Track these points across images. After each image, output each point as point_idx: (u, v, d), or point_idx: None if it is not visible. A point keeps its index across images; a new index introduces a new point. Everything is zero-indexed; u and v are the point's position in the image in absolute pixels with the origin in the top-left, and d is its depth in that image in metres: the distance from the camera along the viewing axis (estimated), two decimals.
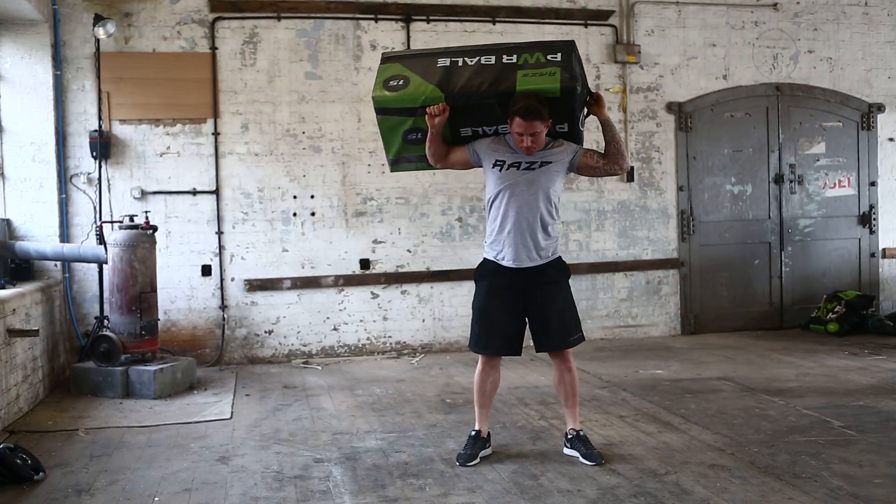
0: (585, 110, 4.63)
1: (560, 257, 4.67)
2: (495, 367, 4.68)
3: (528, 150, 4.43)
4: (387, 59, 4.71)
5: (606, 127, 4.60)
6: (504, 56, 4.52)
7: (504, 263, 4.53)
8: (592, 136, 8.36)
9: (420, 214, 8.05)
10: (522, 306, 4.59)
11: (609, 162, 4.58)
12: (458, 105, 4.47)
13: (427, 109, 4.45)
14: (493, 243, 4.57)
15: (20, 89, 7.03)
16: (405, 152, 4.78)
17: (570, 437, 4.66)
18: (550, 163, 4.50)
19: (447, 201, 8.11)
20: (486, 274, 4.63)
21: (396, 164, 4.89)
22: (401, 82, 4.54)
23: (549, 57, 4.47)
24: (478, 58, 4.54)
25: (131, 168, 7.45)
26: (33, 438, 5.19)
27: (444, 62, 4.56)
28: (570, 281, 4.71)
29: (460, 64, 4.53)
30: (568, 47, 4.54)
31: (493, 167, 4.54)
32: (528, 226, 4.48)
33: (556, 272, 4.61)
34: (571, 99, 4.45)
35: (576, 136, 4.65)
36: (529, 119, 4.32)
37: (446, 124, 4.53)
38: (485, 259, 4.65)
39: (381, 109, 4.60)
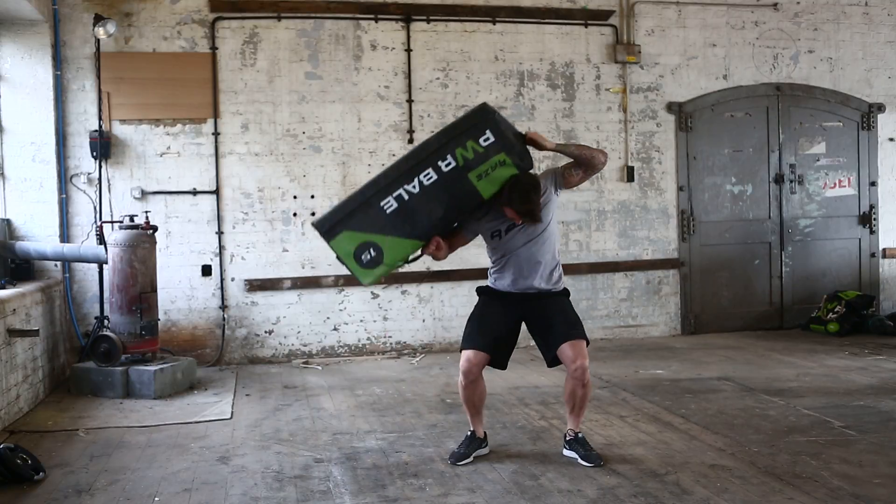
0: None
1: (565, 288, 4.73)
2: (476, 380, 4.62)
3: (513, 220, 4.46)
4: (327, 231, 4.32)
5: (562, 149, 4.55)
6: (440, 163, 4.24)
7: (514, 292, 4.60)
8: (593, 135, 8.40)
9: None
10: (521, 320, 4.64)
11: (586, 168, 4.54)
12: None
13: (424, 253, 4.43)
14: (500, 281, 4.64)
15: (20, 89, 7.03)
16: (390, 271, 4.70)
17: (568, 438, 4.66)
18: (541, 205, 4.48)
19: None
20: (489, 291, 4.71)
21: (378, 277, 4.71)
22: (372, 252, 4.29)
23: (482, 142, 4.23)
24: (415, 181, 4.25)
25: (131, 168, 7.45)
26: (33, 438, 5.19)
27: (389, 205, 4.26)
28: (570, 293, 4.77)
29: (406, 198, 4.26)
30: (487, 117, 4.28)
31: (493, 238, 4.57)
32: (532, 269, 4.54)
33: (559, 292, 4.67)
34: (530, 167, 4.44)
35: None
36: (528, 221, 4.39)
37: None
38: (489, 286, 4.73)
39: (375, 282, 4.54)
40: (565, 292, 4.71)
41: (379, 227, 4.28)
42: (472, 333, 4.62)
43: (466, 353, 4.59)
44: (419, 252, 4.44)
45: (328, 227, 4.34)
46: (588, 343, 4.58)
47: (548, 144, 4.49)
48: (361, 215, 4.29)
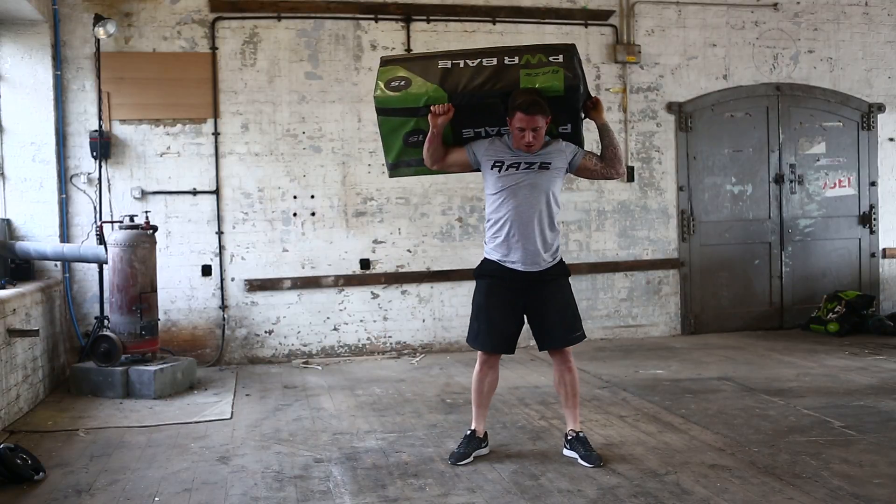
0: (583, 114, 4.65)
1: (562, 259, 4.68)
2: (493, 366, 4.69)
3: (529, 147, 4.42)
4: (386, 62, 4.73)
5: (604, 131, 4.65)
6: (506, 58, 4.56)
7: (511, 266, 4.52)
8: (593, 136, 8.39)
9: (420, 214, 8.05)
10: (522, 305, 4.60)
11: (606, 166, 4.65)
12: (462, 104, 4.48)
13: (431, 108, 4.44)
14: (498, 246, 4.55)
15: (20, 89, 7.03)
16: (405, 156, 4.76)
17: (569, 438, 4.66)
18: (550, 163, 4.51)
19: (447, 201, 8.11)
20: (488, 272, 4.63)
21: (396, 168, 4.87)
22: (402, 83, 4.55)
23: (550, 58, 4.51)
24: (479, 59, 4.57)
25: (131, 168, 7.45)
26: (33, 438, 5.19)
27: (444, 64, 4.58)
28: (570, 280, 4.71)
29: (461, 65, 4.55)
30: (569, 50, 4.58)
31: (493, 168, 4.53)
32: (531, 229, 4.47)
33: (557, 270, 4.62)
34: (575, 97, 4.48)
35: (578, 138, 4.68)
36: (531, 113, 4.32)
37: (448, 125, 4.54)
38: (486, 259, 4.65)
39: (383, 110, 4.60)
40: (565, 272, 4.66)
41: (423, 72, 4.57)
42: (481, 334, 4.61)
43: (480, 359, 4.68)
44: (434, 105, 4.46)
45: (391, 58, 4.82)
46: (585, 337, 4.69)
47: (602, 117, 4.63)
48: (419, 62, 4.69)
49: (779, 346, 7.91)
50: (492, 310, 4.59)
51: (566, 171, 4.63)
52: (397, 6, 7.92)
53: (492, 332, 4.59)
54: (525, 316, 4.64)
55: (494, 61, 4.55)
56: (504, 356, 4.77)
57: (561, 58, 4.51)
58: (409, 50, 7.90)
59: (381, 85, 4.59)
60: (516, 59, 4.53)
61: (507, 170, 4.50)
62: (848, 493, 3.99)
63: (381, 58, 4.84)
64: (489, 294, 4.61)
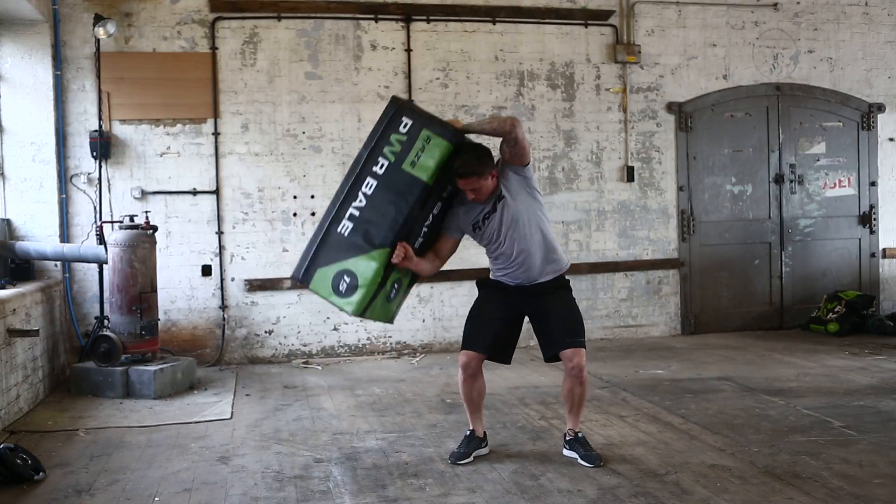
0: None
1: (564, 274, 4.66)
2: (475, 374, 4.65)
3: (476, 200, 4.44)
4: (303, 278, 4.35)
5: (474, 128, 4.51)
6: (374, 168, 4.29)
7: (515, 284, 4.56)
8: (593, 135, 8.41)
9: None
10: (522, 314, 4.63)
11: (504, 140, 4.41)
12: (404, 234, 4.30)
13: (393, 261, 4.25)
14: (502, 277, 4.60)
15: (20, 89, 7.03)
16: (393, 303, 4.56)
17: (568, 438, 4.66)
18: (504, 191, 4.46)
19: None
20: (490, 283, 4.68)
21: (394, 315, 4.63)
22: (346, 279, 4.23)
23: (402, 130, 4.29)
24: (359, 195, 4.27)
25: (131, 168, 7.45)
26: (33, 438, 5.19)
27: (345, 228, 4.26)
28: (572, 292, 4.70)
29: (358, 214, 4.26)
30: (399, 105, 4.40)
31: (475, 230, 4.55)
32: (530, 255, 4.49)
33: (559, 283, 4.63)
34: (459, 137, 4.35)
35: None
36: (462, 177, 4.32)
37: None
38: (487, 277, 4.71)
39: (364, 310, 4.26)
40: (566, 284, 4.66)
41: (344, 252, 4.24)
42: (472, 335, 4.63)
43: (465, 352, 4.64)
44: (392, 258, 4.24)
45: (302, 273, 4.34)
46: (585, 347, 4.59)
47: (464, 125, 4.50)
48: (325, 249, 4.28)
49: (779, 346, 7.91)
50: (485, 313, 4.63)
51: (523, 177, 4.50)
52: (397, 6, 7.92)
53: (482, 333, 4.60)
54: (531, 324, 4.65)
55: (373, 181, 4.25)
56: None
57: (408, 120, 4.29)
58: (409, 50, 7.92)
59: (333, 297, 4.23)
60: (385, 161, 4.26)
61: (484, 223, 4.50)
62: (848, 493, 3.99)
63: (293, 278, 4.47)
64: (486, 300, 4.68)
